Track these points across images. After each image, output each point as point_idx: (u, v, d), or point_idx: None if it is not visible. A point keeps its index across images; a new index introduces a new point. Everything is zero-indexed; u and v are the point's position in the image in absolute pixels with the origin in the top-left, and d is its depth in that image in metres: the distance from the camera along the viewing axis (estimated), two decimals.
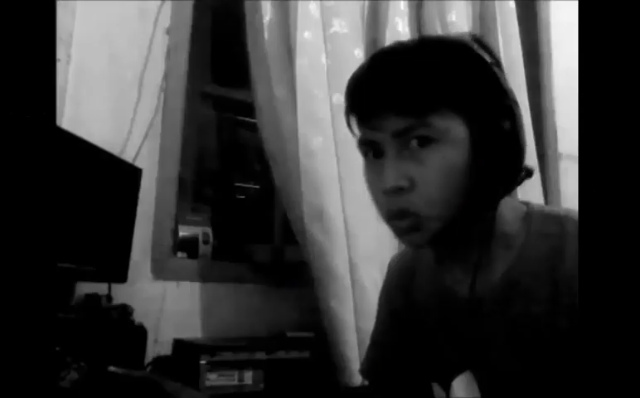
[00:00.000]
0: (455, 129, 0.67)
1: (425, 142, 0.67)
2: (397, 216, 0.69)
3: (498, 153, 0.68)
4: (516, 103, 0.71)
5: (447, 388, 0.79)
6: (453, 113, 0.67)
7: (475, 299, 0.74)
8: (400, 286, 0.89)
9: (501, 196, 0.72)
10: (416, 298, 0.85)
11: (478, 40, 0.72)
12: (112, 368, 0.77)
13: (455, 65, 0.68)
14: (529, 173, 0.73)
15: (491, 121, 0.68)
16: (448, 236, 0.70)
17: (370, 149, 0.72)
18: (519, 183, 0.72)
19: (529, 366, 0.70)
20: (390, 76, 0.68)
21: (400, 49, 0.71)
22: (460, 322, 0.76)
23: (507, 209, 0.74)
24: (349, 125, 0.74)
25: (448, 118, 0.67)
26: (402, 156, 0.68)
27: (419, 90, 0.67)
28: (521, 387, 0.71)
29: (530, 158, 1.96)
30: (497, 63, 0.72)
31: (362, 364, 0.95)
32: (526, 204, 0.76)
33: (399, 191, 0.67)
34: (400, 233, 0.71)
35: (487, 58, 0.70)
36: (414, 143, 0.67)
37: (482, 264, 0.73)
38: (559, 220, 0.72)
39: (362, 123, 0.71)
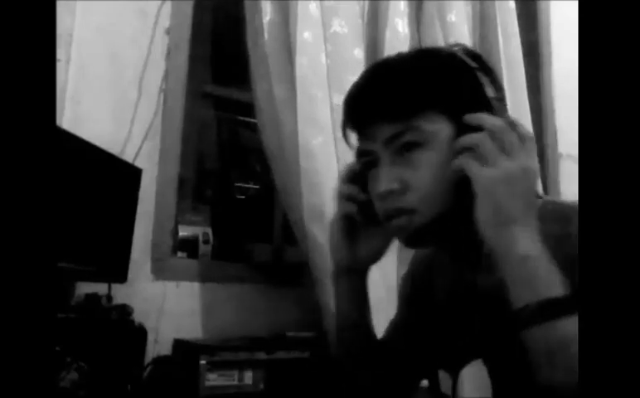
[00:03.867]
0: (442, 132, 0.70)
1: (414, 146, 0.70)
2: (394, 215, 0.72)
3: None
4: (501, 103, 0.73)
5: (455, 375, 0.81)
6: (440, 116, 0.70)
7: (482, 293, 0.76)
8: (415, 275, 0.93)
9: None
10: (434, 288, 0.88)
11: (469, 50, 0.76)
12: None
13: (439, 70, 0.72)
14: None
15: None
16: (445, 234, 0.73)
17: (369, 161, 0.75)
18: None
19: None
20: (376, 85, 0.73)
21: (390, 60, 0.76)
22: (470, 315, 0.79)
23: None
24: (345, 138, 0.78)
25: (434, 122, 0.70)
26: (395, 162, 0.71)
27: (402, 96, 0.70)
28: (528, 378, 0.72)
29: None
30: (485, 69, 0.74)
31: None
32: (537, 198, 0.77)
33: (392, 193, 0.71)
34: (396, 232, 0.74)
35: (473, 64, 0.73)
36: (404, 148, 0.70)
37: (487, 259, 0.74)
38: (564, 217, 0.71)
39: (359, 134, 0.75)
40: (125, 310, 1.47)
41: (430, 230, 0.71)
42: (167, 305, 1.69)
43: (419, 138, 0.70)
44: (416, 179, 0.70)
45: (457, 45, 0.77)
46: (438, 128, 0.70)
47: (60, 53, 1.60)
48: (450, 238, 0.76)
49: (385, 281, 1.68)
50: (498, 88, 0.74)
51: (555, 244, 0.70)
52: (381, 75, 0.74)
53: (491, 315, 0.76)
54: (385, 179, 0.71)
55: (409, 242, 0.74)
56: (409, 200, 0.70)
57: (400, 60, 0.75)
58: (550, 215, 0.72)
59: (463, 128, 0.69)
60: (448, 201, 0.70)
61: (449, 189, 0.70)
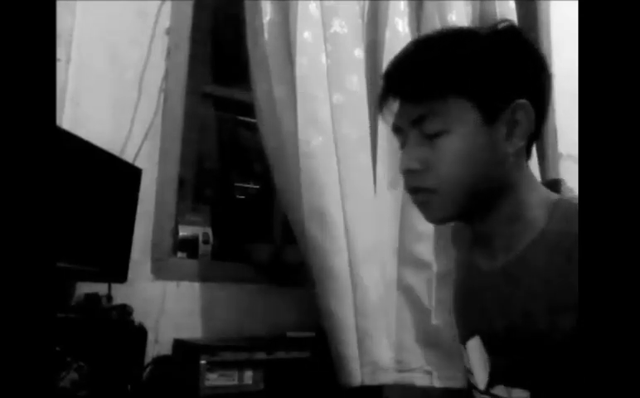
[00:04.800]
0: (466, 117, 0.71)
1: (438, 130, 0.71)
2: (412, 192, 0.76)
3: (510, 136, 0.72)
4: (538, 84, 0.74)
5: (464, 346, 0.84)
6: (465, 101, 0.71)
7: (490, 275, 0.78)
8: (453, 240, 0.96)
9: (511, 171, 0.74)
10: (458, 262, 0.91)
11: (512, 30, 0.76)
12: None
13: (465, 56, 0.72)
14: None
15: (500, 106, 0.71)
16: (469, 215, 0.76)
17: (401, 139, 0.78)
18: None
19: (523, 353, 0.73)
20: (404, 65, 0.75)
21: (424, 39, 0.77)
22: (477, 292, 0.81)
23: (533, 195, 0.76)
24: (380, 111, 0.79)
25: (457, 107, 0.71)
26: (420, 142, 0.74)
27: (424, 79, 0.72)
28: (522, 364, 0.73)
29: (530, 158, 1.95)
30: (526, 51, 0.74)
31: None
32: (559, 193, 0.78)
33: (412, 172, 0.74)
34: (418, 207, 0.78)
35: (512, 47, 0.73)
36: (428, 131, 0.72)
37: (502, 243, 0.76)
38: (573, 216, 0.70)
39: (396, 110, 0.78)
40: (125, 310, 1.47)
41: (451, 210, 0.74)
42: (167, 305, 1.69)
43: (441, 123, 0.71)
44: (437, 161, 0.72)
45: (504, 20, 0.77)
46: (462, 113, 0.71)
47: (60, 53, 1.60)
48: (470, 221, 0.79)
49: (385, 280, 1.68)
50: (538, 70, 0.75)
51: (558, 239, 0.71)
52: (411, 56, 0.75)
53: (490, 301, 0.78)
54: (407, 158, 0.74)
55: (429, 218, 0.77)
56: (428, 180, 0.73)
57: (432, 41, 0.76)
58: (561, 214, 0.73)
59: (489, 115, 0.71)
60: (472, 187, 0.72)
61: (474, 174, 0.71)
